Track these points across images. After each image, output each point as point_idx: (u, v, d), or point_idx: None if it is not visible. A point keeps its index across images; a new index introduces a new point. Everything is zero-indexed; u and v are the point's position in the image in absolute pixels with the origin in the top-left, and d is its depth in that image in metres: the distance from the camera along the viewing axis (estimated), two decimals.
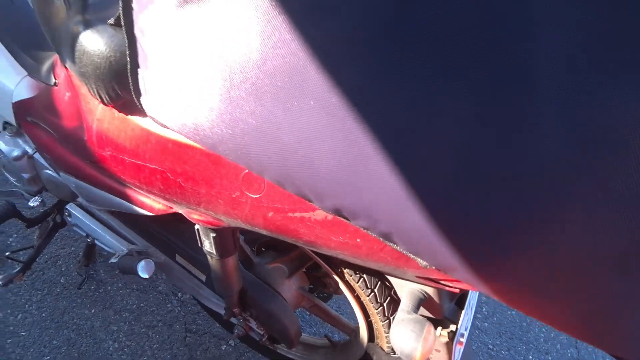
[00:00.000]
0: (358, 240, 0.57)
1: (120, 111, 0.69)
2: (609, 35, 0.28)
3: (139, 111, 0.67)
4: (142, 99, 0.52)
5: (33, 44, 1.07)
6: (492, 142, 0.32)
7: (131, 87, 0.52)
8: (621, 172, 0.30)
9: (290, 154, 0.41)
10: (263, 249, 1.09)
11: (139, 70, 0.50)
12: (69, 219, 1.10)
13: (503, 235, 0.35)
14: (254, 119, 0.41)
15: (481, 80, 0.31)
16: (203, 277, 0.96)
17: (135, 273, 0.92)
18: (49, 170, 1.07)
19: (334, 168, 0.40)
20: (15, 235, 1.48)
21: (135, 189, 0.77)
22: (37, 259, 1.30)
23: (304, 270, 1.04)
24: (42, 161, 1.08)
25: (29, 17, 1.11)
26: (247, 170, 0.60)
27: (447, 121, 0.33)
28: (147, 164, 0.68)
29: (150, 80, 0.49)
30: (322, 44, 0.35)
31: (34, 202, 1.14)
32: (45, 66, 0.98)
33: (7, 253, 1.23)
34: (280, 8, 0.35)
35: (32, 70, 1.03)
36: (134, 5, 0.46)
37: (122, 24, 0.48)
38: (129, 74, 0.51)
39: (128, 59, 0.50)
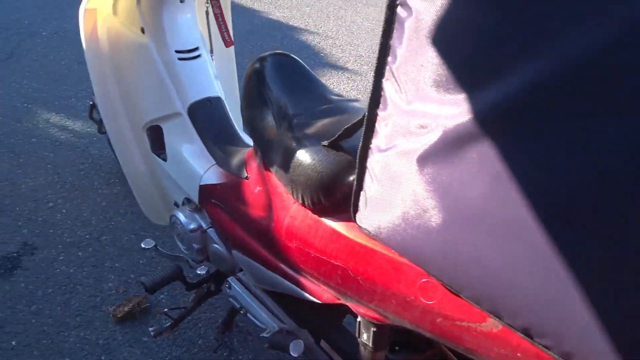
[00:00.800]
0: (518, 354, 0.63)
1: (314, 213, 0.82)
2: None
3: (333, 215, 0.80)
4: (357, 215, 0.65)
5: (223, 139, 1.28)
6: None
7: (351, 205, 0.65)
8: None
9: (495, 280, 0.50)
10: (396, 348, 1.15)
11: (362, 193, 0.63)
12: (228, 291, 1.24)
13: None
14: (468, 248, 0.51)
15: None
16: None
17: (287, 351, 1.03)
18: (217, 245, 1.24)
19: (532, 295, 0.48)
20: (165, 293, 1.67)
21: (310, 278, 0.89)
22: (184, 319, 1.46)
23: None
24: (213, 236, 1.25)
25: (222, 116, 1.33)
26: (425, 279, 0.69)
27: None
28: (332, 260, 0.80)
29: (371, 203, 0.61)
30: (539, 207, 0.45)
31: (201, 271, 1.31)
32: (235, 160, 1.16)
33: (166, 310, 1.40)
34: (507, 176, 0.46)
35: (220, 161, 1.23)
36: (372, 147, 0.59)
37: (357, 159, 0.61)
38: (352, 194, 0.64)
39: (355, 183, 0.63)
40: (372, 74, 0.56)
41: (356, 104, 0.94)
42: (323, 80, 3.21)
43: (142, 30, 1.33)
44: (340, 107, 0.92)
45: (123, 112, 1.44)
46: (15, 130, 2.24)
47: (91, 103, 1.95)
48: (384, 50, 0.54)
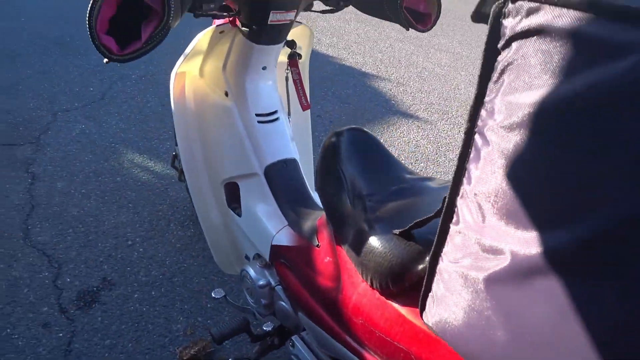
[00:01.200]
0: None
1: (382, 295, 0.85)
2: None
3: (400, 300, 0.83)
4: (424, 313, 0.67)
5: (296, 200, 1.34)
6: None
7: (419, 304, 0.68)
8: None
9: None
10: None
11: (430, 294, 0.66)
12: (291, 349, 1.28)
13: None
14: None
15: None
16: None
17: None
18: (284, 303, 1.29)
19: None
20: (230, 340, 1.73)
21: (372, 353, 0.92)
22: None
23: None
24: (281, 294, 1.30)
25: (296, 178, 1.39)
26: None
27: None
28: (395, 342, 0.82)
29: (438, 304, 0.64)
30: (603, 345, 0.46)
31: (267, 327, 1.36)
32: (307, 223, 1.22)
33: (230, 358, 1.46)
34: (572, 312, 0.48)
35: (292, 222, 1.29)
36: (442, 254, 0.62)
37: (428, 264, 0.65)
38: (420, 294, 0.67)
39: (424, 283, 0.66)
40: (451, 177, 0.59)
41: (430, 184, 0.97)
42: (393, 128, 3.26)
43: (226, 94, 1.43)
44: (414, 188, 0.95)
45: (203, 167, 1.54)
46: (103, 169, 2.42)
47: (174, 154, 2.09)
48: (460, 171, 0.57)
